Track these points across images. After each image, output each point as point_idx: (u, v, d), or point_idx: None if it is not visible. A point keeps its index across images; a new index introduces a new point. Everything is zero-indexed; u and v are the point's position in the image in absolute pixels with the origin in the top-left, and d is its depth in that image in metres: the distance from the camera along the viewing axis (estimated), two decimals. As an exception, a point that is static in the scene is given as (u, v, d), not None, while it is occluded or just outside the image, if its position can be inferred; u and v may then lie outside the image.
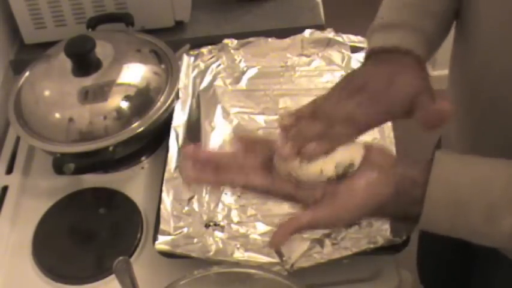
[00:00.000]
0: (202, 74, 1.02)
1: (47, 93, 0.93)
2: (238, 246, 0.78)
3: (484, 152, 0.69)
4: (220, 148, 0.90)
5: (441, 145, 0.86)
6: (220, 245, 0.78)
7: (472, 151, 0.73)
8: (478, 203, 0.56)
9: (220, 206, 0.83)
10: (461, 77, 0.74)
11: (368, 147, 0.60)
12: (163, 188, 0.85)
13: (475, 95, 0.70)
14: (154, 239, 0.79)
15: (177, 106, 0.95)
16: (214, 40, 1.07)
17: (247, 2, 1.18)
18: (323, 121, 0.60)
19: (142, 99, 0.91)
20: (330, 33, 1.05)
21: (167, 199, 0.83)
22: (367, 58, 0.67)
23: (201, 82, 1.00)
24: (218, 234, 0.80)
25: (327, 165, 0.58)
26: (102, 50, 0.92)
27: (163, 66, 0.96)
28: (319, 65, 1.01)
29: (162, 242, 0.79)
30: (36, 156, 0.97)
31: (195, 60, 1.04)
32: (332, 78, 0.98)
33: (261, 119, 0.94)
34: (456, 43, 0.74)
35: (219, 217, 0.82)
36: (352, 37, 1.04)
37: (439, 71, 2.19)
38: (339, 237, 0.77)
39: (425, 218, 0.57)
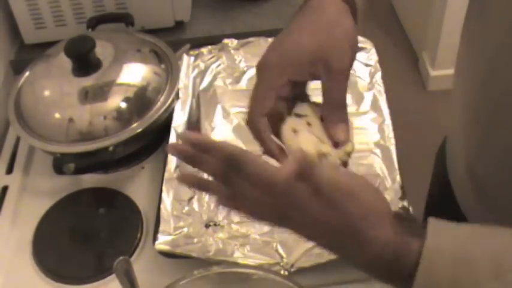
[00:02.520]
0: (202, 74, 1.02)
1: (47, 93, 0.93)
2: (238, 246, 0.78)
3: (491, 155, 0.68)
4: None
5: (446, 145, 0.86)
6: (220, 245, 0.78)
7: (479, 152, 0.72)
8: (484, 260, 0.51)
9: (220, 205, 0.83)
10: (468, 77, 0.73)
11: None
12: (163, 188, 0.85)
13: (482, 95, 0.69)
14: (154, 239, 0.79)
15: (177, 106, 0.95)
16: (214, 40, 1.07)
17: (247, 2, 1.18)
18: None
19: (142, 99, 0.91)
20: (330, 33, 1.05)
21: (167, 199, 0.83)
22: None
23: (201, 82, 1.00)
24: (218, 234, 0.80)
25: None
26: (102, 50, 0.92)
27: (163, 66, 0.96)
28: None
29: (162, 242, 0.79)
30: (36, 156, 0.97)
31: (195, 60, 1.04)
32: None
33: (261, 119, 0.94)
34: (463, 42, 0.73)
35: (219, 217, 0.82)
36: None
37: (439, 71, 2.19)
38: (338, 237, 0.77)
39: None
